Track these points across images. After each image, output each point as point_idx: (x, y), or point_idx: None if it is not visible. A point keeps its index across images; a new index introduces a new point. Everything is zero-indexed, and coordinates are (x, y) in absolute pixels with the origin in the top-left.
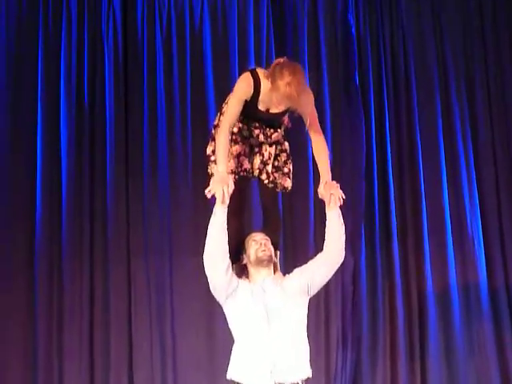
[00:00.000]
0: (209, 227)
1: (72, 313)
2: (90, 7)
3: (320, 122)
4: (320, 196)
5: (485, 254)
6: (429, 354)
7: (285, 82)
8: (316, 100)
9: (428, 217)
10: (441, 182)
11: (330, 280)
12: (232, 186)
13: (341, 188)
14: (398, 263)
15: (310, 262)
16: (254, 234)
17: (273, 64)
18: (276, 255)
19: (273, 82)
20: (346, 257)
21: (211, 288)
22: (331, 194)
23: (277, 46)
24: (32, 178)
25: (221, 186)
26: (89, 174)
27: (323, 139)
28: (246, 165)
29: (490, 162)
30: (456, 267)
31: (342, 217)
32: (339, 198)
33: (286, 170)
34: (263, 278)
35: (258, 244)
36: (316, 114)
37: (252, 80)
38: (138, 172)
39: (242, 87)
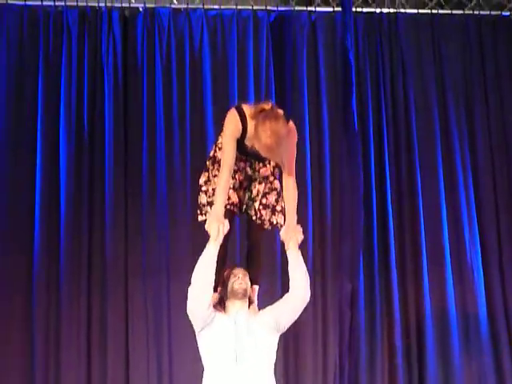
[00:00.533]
0: (199, 261)
1: (69, 332)
2: (90, 31)
3: (318, 149)
4: (281, 238)
5: (484, 282)
6: (427, 381)
7: (266, 134)
8: (315, 126)
9: (427, 244)
10: (440, 209)
11: (327, 305)
12: (227, 226)
13: (340, 214)
14: (397, 289)
15: (279, 301)
16: (233, 268)
17: (257, 108)
18: (253, 290)
19: (255, 129)
20: (343, 282)
21: (190, 316)
22: (291, 237)
23: (276, 70)
24: (31, 199)
25: (217, 224)
26: (87, 195)
27: (294, 182)
28: (234, 198)
29: (489, 190)
30: (455, 295)
31: (301, 257)
32: (298, 240)
33: (278, 208)
34: (237, 310)
35: (236, 277)
36: (294, 156)
37: (239, 117)
38: (136, 192)
39: (232, 126)
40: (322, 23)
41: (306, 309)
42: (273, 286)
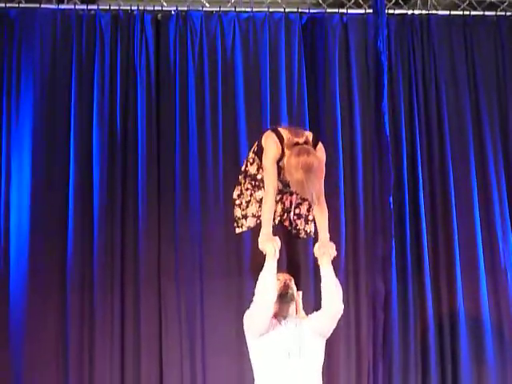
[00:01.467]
0: (260, 278)
1: (103, 336)
2: (122, 34)
3: (351, 150)
4: (315, 254)
5: None
6: (461, 378)
7: (298, 171)
8: (347, 128)
9: (460, 246)
10: (473, 210)
11: (360, 307)
12: (279, 243)
13: (372, 215)
14: (430, 292)
15: (318, 313)
16: (278, 274)
17: (292, 140)
18: (298, 295)
19: (288, 162)
20: (377, 285)
21: (247, 329)
22: (324, 252)
23: (308, 73)
24: (65, 203)
25: (270, 243)
26: (121, 196)
27: (325, 206)
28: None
29: None
30: (488, 297)
31: (333, 272)
32: (331, 256)
33: (310, 217)
34: (286, 315)
35: (282, 282)
36: (322, 188)
37: (277, 139)
38: (169, 197)
39: (273, 149)
40: (354, 25)
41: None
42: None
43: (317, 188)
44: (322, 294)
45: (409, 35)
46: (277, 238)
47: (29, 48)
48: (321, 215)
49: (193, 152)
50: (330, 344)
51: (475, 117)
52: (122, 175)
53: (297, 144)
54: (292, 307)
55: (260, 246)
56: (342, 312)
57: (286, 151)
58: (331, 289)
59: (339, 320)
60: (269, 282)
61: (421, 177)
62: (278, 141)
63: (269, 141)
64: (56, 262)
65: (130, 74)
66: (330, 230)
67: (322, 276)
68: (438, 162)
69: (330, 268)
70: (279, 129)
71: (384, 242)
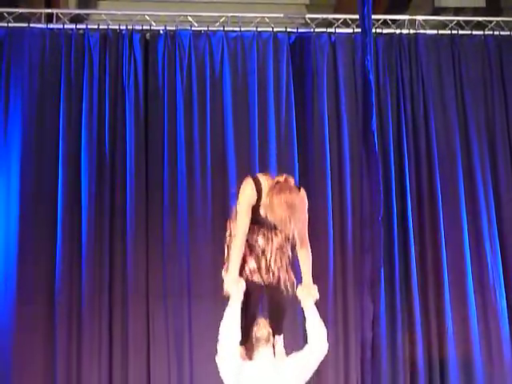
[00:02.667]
0: (224, 320)
1: (91, 356)
2: (111, 54)
3: (339, 168)
4: (298, 297)
5: (506, 301)
6: None
7: (281, 207)
8: (335, 147)
9: (448, 263)
10: (461, 224)
11: (348, 325)
12: (244, 285)
13: (360, 232)
14: (419, 310)
15: (301, 353)
16: (257, 319)
17: (271, 183)
18: (275, 340)
19: (270, 201)
20: (364, 302)
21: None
22: (306, 294)
23: (296, 92)
24: (53, 223)
25: (235, 286)
26: (109, 221)
27: (308, 249)
28: (252, 266)
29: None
30: (477, 313)
31: (317, 314)
32: (314, 298)
33: (289, 267)
34: (262, 357)
35: (259, 325)
36: (305, 226)
37: (254, 185)
38: (157, 215)
39: (247, 193)
40: (342, 45)
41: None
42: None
43: (299, 227)
44: (308, 334)
45: (397, 54)
46: (242, 280)
47: (18, 67)
48: (304, 258)
49: (181, 171)
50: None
51: (463, 136)
52: (111, 199)
53: (277, 183)
54: (268, 349)
55: (225, 289)
56: (325, 353)
57: (268, 193)
58: (315, 329)
59: (329, 341)
60: (231, 324)
61: (409, 195)
62: (254, 187)
63: (244, 185)
64: (44, 286)
65: (119, 93)
66: (319, 250)
67: (306, 317)
68: (427, 182)
69: (314, 309)
70: (259, 176)
71: (372, 260)
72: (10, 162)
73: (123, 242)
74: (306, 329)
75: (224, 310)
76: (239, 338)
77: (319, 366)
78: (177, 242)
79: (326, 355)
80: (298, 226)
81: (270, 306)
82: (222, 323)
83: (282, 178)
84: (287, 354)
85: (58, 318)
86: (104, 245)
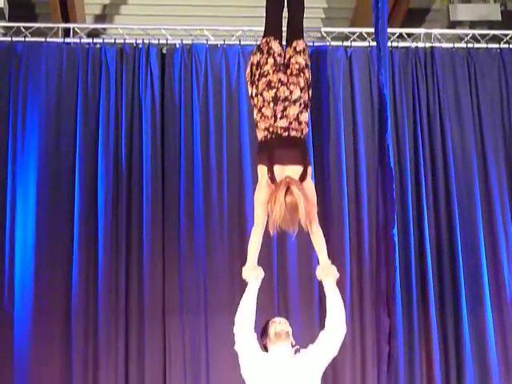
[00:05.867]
0: (244, 297)
1: (107, 372)
2: (127, 68)
3: (355, 182)
4: (318, 277)
5: None
6: None
7: (282, 211)
8: (351, 161)
9: (465, 279)
10: (478, 240)
11: (365, 340)
12: (262, 273)
13: (376, 248)
14: (436, 325)
15: (319, 339)
16: (274, 319)
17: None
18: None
19: (275, 197)
20: (381, 317)
21: (236, 335)
22: (327, 274)
23: (312, 105)
24: (70, 231)
25: (254, 272)
26: (125, 234)
27: (320, 231)
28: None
29: None
30: (494, 329)
31: (338, 294)
32: (334, 277)
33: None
34: (281, 352)
35: (277, 323)
36: (315, 211)
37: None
38: (174, 231)
39: (263, 184)
40: (358, 58)
41: (344, 344)
42: (310, 318)
43: (309, 216)
44: (327, 315)
45: (413, 68)
46: (260, 268)
47: (35, 82)
48: (318, 240)
49: (198, 187)
50: (335, 377)
51: (480, 150)
52: (127, 212)
53: (281, 182)
54: (287, 346)
55: (243, 275)
56: (343, 336)
57: (272, 194)
58: (335, 309)
59: (345, 353)
60: (250, 300)
61: (425, 209)
62: (268, 185)
63: (260, 178)
64: (60, 302)
65: (135, 107)
66: (335, 262)
67: (327, 297)
68: (443, 195)
69: (334, 289)
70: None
71: (388, 274)
72: (27, 171)
73: (139, 251)
74: (327, 309)
75: None
76: (253, 324)
77: (336, 380)
78: (193, 259)
79: (343, 369)
80: (305, 218)
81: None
82: (239, 307)
83: (282, 179)
84: (303, 338)
85: (75, 328)
86: (121, 255)
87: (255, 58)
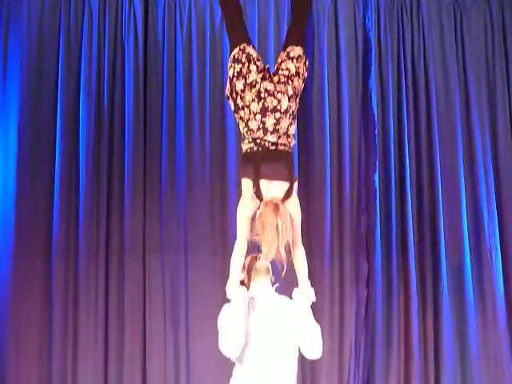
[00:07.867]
0: (224, 312)
1: (87, 308)
2: (110, 10)
3: (338, 129)
4: (294, 299)
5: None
6: (443, 359)
7: (265, 234)
8: (334, 106)
9: (445, 224)
10: (459, 187)
11: (344, 284)
12: (248, 293)
13: (357, 193)
14: (414, 269)
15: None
16: (253, 254)
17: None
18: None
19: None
20: (360, 262)
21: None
22: (302, 298)
23: None
24: (50, 173)
25: (242, 294)
26: (107, 171)
27: (302, 252)
28: None
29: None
30: (472, 275)
31: (313, 318)
32: (310, 301)
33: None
34: (261, 289)
35: (259, 259)
36: (299, 230)
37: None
38: (155, 169)
39: (246, 209)
40: (343, 2)
41: (322, 289)
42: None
43: (292, 233)
44: (301, 339)
45: (398, 15)
46: (244, 288)
47: (16, 22)
48: (299, 261)
49: (179, 128)
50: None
51: (463, 98)
52: (109, 152)
53: (266, 204)
54: (267, 281)
55: (229, 295)
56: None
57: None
58: (309, 334)
59: (324, 296)
60: (239, 320)
61: (407, 156)
62: (254, 203)
63: (245, 192)
64: (40, 237)
65: (118, 47)
66: (315, 208)
67: (302, 321)
68: (426, 142)
69: (310, 313)
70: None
71: (368, 219)
72: (8, 111)
73: (121, 188)
74: (300, 333)
75: (220, 266)
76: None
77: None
78: (174, 196)
79: (322, 313)
80: (287, 236)
81: None
82: (224, 331)
83: (269, 200)
84: None
85: (55, 264)
86: (102, 197)
87: (234, 70)
